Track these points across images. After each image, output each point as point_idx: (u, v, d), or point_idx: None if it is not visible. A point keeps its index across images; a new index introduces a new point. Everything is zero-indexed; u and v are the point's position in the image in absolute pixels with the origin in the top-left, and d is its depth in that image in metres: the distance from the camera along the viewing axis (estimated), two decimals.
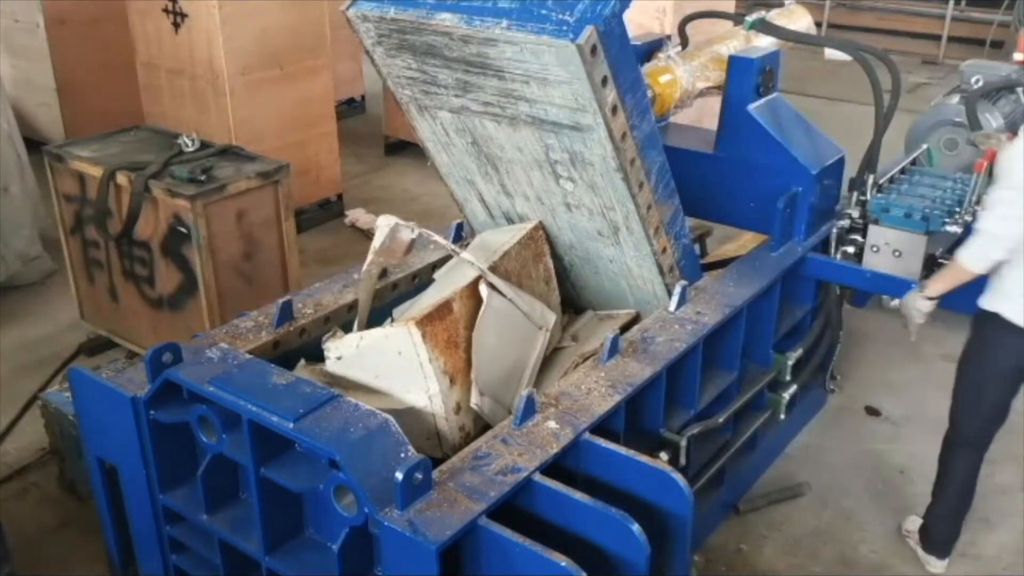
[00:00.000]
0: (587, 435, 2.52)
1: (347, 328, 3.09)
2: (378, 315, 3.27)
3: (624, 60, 2.70)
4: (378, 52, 3.03)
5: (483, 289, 2.90)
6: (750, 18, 3.82)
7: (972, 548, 3.52)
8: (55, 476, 3.73)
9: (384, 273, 3.33)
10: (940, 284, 3.12)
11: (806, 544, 3.52)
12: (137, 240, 4.10)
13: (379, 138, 7.50)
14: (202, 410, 2.47)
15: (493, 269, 2.99)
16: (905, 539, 3.51)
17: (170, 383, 2.54)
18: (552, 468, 2.41)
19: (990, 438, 3.29)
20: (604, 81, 2.64)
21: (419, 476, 2.19)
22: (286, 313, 3.05)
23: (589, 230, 3.19)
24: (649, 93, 3.65)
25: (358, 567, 2.35)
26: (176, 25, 5.46)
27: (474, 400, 2.79)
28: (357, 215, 6.25)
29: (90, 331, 4.65)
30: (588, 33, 2.51)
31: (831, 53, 3.96)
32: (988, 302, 3.03)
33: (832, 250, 3.72)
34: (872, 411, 4.30)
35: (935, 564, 3.39)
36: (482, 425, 2.83)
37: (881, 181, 3.78)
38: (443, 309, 2.77)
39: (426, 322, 2.70)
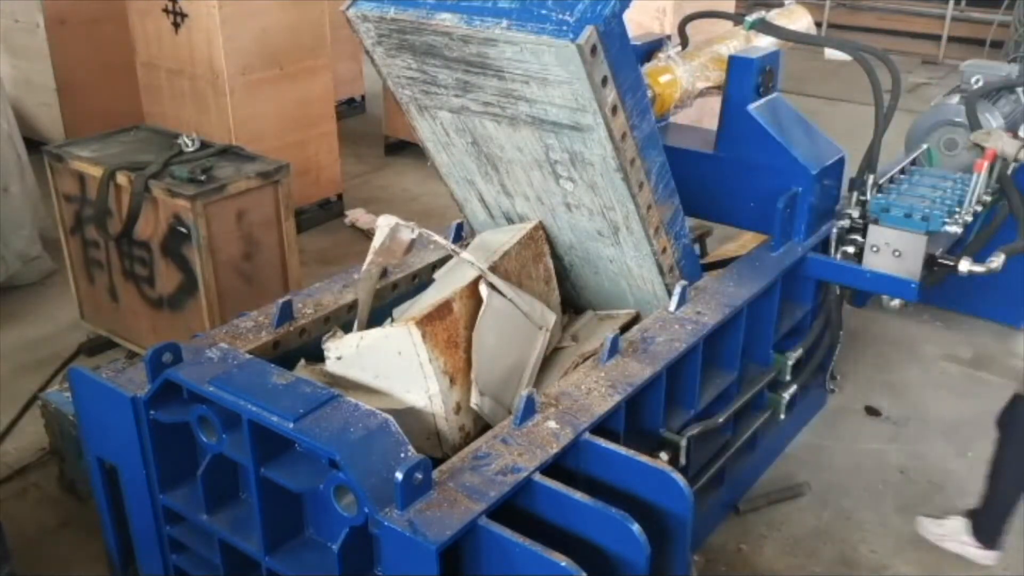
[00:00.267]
0: (587, 435, 2.52)
1: (347, 328, 3.09)
2: (378, 315, 3.27)
3: (624, 60, 2.70)
4: (378, 52, 3.03)
5: (483, 289, 2.90)
6: (750, 18, 3.82)
7: None
8: (55, 476, 3.74)
9: (384, 273, 3.33)
10: None
11: (806, 544, 3.52)
12: (137, 240, 4.10)
13: (379, 138, 7.50)
14: (202, 410, 2.47)
15: (493, 269, 2.99)
16: (939, 544, 3.47)
17: (170, 383, 2.54)
18: (552, 468, 2.41)
19: None
20: (604, 81, 2.64)
21: (419, 476, 2.19)
22: (286, 313, 3.05)
23: (589, 230, 3.19)
24: (649, 93, 3.65)
25: (358, 567, 2.35)
26: (176, 25, 5.46)
27: (474, 400, 2.79)
28: (357, 215, 6.25)
29: (90, 331, 4.65)
30: (588, 33, 2.51)
31: (831, 53, 3.97)
32: None
33: (832, 250, 3.72)
34: (872, 411, 4.30)
35: (988, 556, 3.38)
36: (482, 425, 2.83)
37: (881, 181, 3.78)
38: (443, 309, 2.77)
39: (426, 322, 2.70)
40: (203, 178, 3.93)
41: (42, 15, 6.64)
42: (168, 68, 5.64)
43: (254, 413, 2.34)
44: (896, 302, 3.82)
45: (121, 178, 4.01)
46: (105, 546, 2.98)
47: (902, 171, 4.01)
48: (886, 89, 3.56)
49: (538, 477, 2.35)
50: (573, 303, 3.59)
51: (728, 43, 3.96)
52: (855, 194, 3.68)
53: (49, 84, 6.81)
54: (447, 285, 3.00)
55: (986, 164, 3.71)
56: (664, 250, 3.16)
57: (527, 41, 2.60)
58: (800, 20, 4.21)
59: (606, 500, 2.29)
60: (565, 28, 2.55)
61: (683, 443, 3.00)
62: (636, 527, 2.22)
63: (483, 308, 2.87)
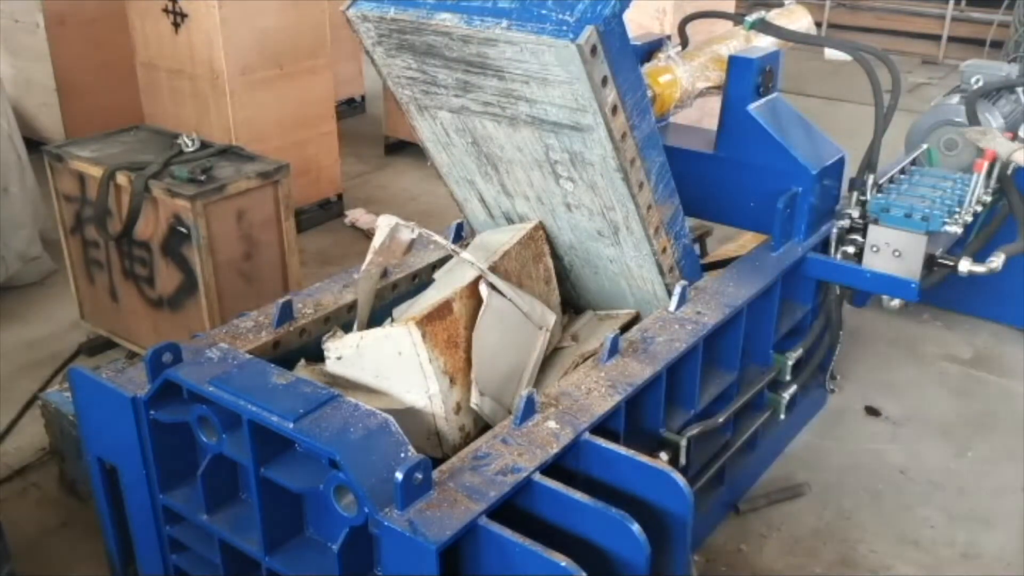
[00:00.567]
0: (587, 435, 2.52)
1: (347, 328, 3.09)
2: (379, 315, 3.27)
3: (624, 60, 2.69)
4: (378, 52, 3.03)
5: (483, 289, 2.90)
6: (750, 18, 3.82)
7: (972, 548, 3.52)
8: (55, 476, 3.74)
9: (385, 273, 3.33)
10: None
11: (806, 544, 3.53)
12: (137, 240, 4.10)
13: (379, 138, 7.50)
14: (202, 410, 2.47)
15: (493, 269, 2.99)
16: None
17: (170, 383, 2.54)
18: (552, 468, 2.41)
19: None
20: (604, 81, 2.64)
21: (419, 476, 2.19)
22: (286, 313, 3.05)
23: (589, 230, 3.19)
24: (649, 93, 3.65)
25: (358, 567, 2.35)
26: (176, 25, 5.46)
27: (474, 400, 2.79)
28: (357, 215, 6.25)
29: (90, 331, 4.65)
30: (588, 33, 2.51)
31: (831, 53, 3.97)
32: None
33: (832, 250, 3.72)
34: (872, 411, 4.30)
35: None
36: (482, 425, 2.83)
37: (881, 181, 3.78)
38: (443, 309, 2.77)
39: (426, 322, 2.70)
40: (203, 178, 3.93)
41: (42, 15, 6.64)
42: (168, 68, 5.64)
43: (254, 413, 2.34)
44: (896, 302, 3.82)
45: (121, 178, 4.01)
46: (105, 546, 2.98)
47: (902, 171, 4.01)
48: (886, 89, 3.56)
49: (538, 477, 2.35)
50: (573, 303, 3.59)
51: (728, 43, 3.96)
52: (855, 194, 3.68)
53: (49, 84, 6.81)
54: (447, 285, 3.00)
55: (986, 164, 3.71)
56: (664, 250, 3.16)
57: (527, 41, 2.60)
58: (800, 20, 4.21)
59: (606, 500, 2.29)
60: (565, 28, 2.55)
61: (683, 443, 2.99)
62: (636, 527, 2.22)
63: (483, 308, 2.87)
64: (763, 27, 3.79)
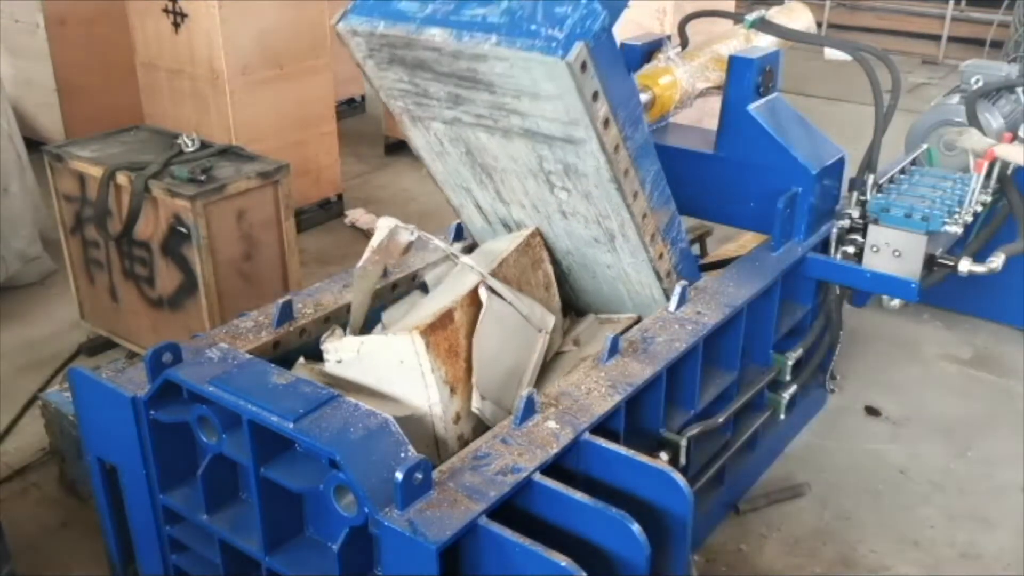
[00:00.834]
0: (587, 435, 2.52)
1: (346, 327, 3.09)
2: (377, 315, 3.28)
3: (615, 73, 2.67)
4: (369, 65, 3.01)
5: (482, 292, 2.89)
6: (750, 17, 3.81)
7: (972, 548, 3.52)
8: (55, 476, 3.74)
9: (384, 273, 3.33)
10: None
11: (806, 544, 3.53)
12: (137, 240, 4.10)
13: (379, 138, 7.50)
14: (202, 410, 2.47)
15: (491, 276, 2.99)
16: None
17: (170, 383, 2.54)
18: (552, 468, 2.41)
19: None
20: (595, 96, 2.62)
21: (419, 476, 2.19)
22: (286, 313, 3.05)
23: (585, 237, 3.19)
24: (649, 95, 3.65)
25: (358, 567, 2.35)
26: (176, 25, 5.46)
27: (475, 404, 2.78)
28: (357, 215, 6.26)
29: (90, 331, 4.65)
30: (578, 50, 2.48)
31: (831, 53, 3.97)
32: None
33: (832, 250, 3.72)
34: (872, 411, 4.30)
35: None
36: (481, 433, 2.82)
37: (881, 181, 3.78)
38: (445, 318, 2.76)
39: (429, 331, 2.68)
40: (203, 178, 3.93)
41: (42, 15, 6.64)
42: (168, 68, 5.64)
43: (254, 413, 2.34)
44: (896, 302, 3.82)
45: (121, 178, 4.01)
46: (105, 546, 2.98)
47: (902, 171, 4.01)
48: (886, 89, 3.56)
49: (538, 477, 2.35)
50: (573, 305, 3.59)
51: (728, 42, 3.95)
52: (855, 194, 3.68)
53: (49, 84, 6.81)
54: (445, 293, 2.99)
55: (986, 164, 3.71)
56: (661, 256, 3.16)
57: (517, 57, 2.58)
58: (800, 18, 4.19)
59: (606, 500, 2.29)
60: (555, 45, 2.52)
61: (683, 443, 2.99)
62: (636, 527, 2.22)
63: (483, 311, 2.86)
64: (763, 26, 3.79)
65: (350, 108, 8.37)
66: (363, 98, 8.57)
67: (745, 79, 3.57)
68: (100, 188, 4.06)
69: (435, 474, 2.28)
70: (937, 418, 4.27)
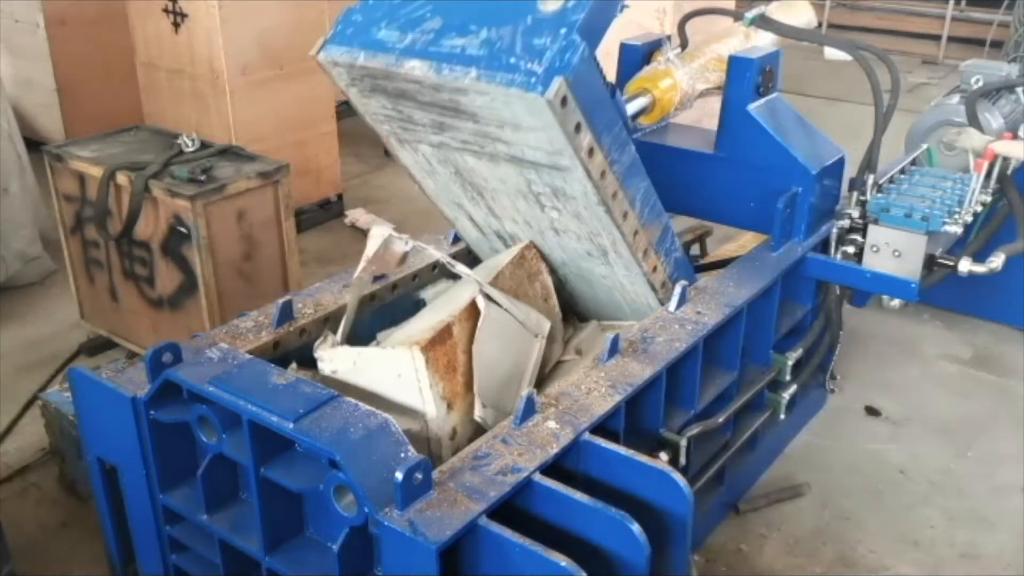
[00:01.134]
0: (587, 435, 2.52)
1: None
2: (377, 315, 3.28)
3: (597, 101, 2.63)
4: (352, 92, 2.99)
5: (480, 301, 2.87)
6: (750, 14, 3.81)
7: (972, 548, 3.52)
8: (55, 476, 3.74)
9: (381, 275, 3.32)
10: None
11: (806, 544, 3.52)
12: (137, 240, 4.10)
13: (379, 138, 7.47)
14: (202, 410, 2.47)
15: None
16: None
17: (170, 383, 2.54)
18: (552, 468, 2.41)
19: None
20: (577, 127, 2.59)
21: (419, 476, 2.19)
22: (286, 313, 3.05)
23: (579, 251, 3.17)
24: (649, 99, 3.64)
25: (358, 567, 2.35)
26: (176, 25, 5.46)
27: (477, 413, 2.77)
28: (357, 215, 6.26)
29: (90, 331, 4.65)
30: (557, 86, 2.44)
31: (831, 53, 3.96)
32: None
33: (832, 250, 3.72)
34: (872, 411, 4.30)
35: None
36: None
37: (881, 181, 3.78)
38: (444, 333, 2.74)
39: (429, 347, 2.67)
40: (203, 178, 3.93)
41: (42, 15, 6.64)
42: (168, 68, 5.64)
43: (254, 413, 2.34)
44: (896, 302, 3.82)
45: (121, 178, 4.01)
46: (105, 546, 2.98)
47: (902, 171, 4.01)
48: (885, 89, 3.56)
49: (538, 477, 2.35)
50: (574, 310, 3.58)
51: (728, 41, 3.94)
52: (855, 194, 3.68)
53: (49, 84, 6.81)
54: (442, 307, 2.97)
55: (986, 164, 3.71)
56: (655, 269, 3.15)
57: (497, 92, 2.54)
58: (801, 14, 4.17)
59: (606, 500, 2.29)
60: (534, 80, 2.47)
61: (683, 443, 2.99)
62: (636, 527, 2.22)
63: (481, 320, 2.85)
64: (763, 23, 3.79)
65: (350, 108, 8.25)
66: None
67: (745, 79, 3.57)
68: (100, 188, 4.06)
69: (435, 474, 2.28)
70: (937, 418, 4.27)
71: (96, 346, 4.60)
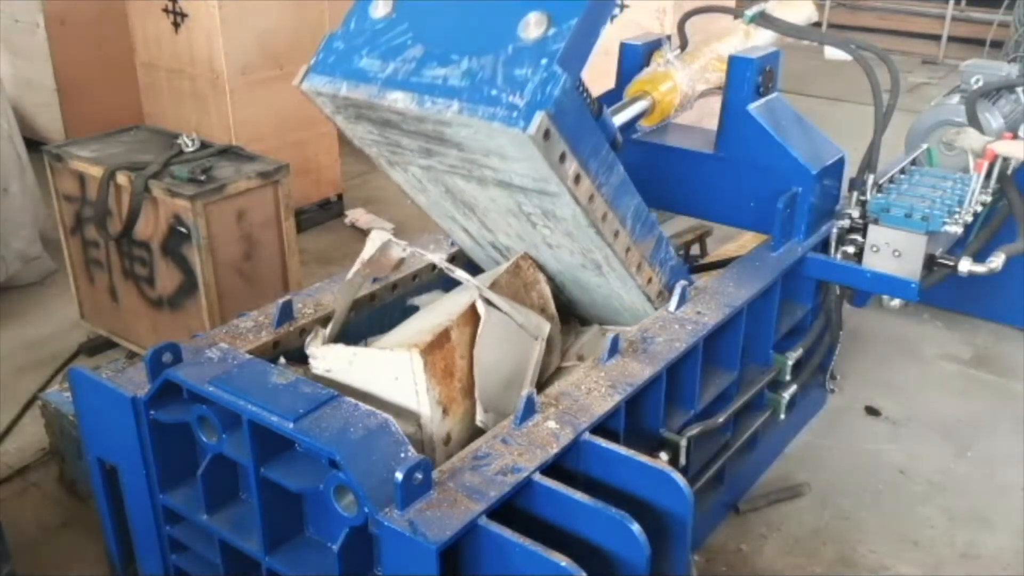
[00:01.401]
0: (587, 435, 2.52)
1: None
2: (377, 315, 3.27)
3: (582, 129, 2.61)
4: (338, 119, 2.94)
5: (480, 306, 2.86)
6: (749, 12, 3.80)
7: (972, 548, 3.52)
8: (55, 476, 3.74)
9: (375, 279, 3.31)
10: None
11: (806, 544, 3.53)
12: (137, 240, 4.10)
13: None
14: (202, 410, 2.47)
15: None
16: None
17: (170, 383, 2.54)
18: (552, 468, 2.41)
19: None
20: (562, 157, 2.56)
21: (419, 476, 2.19)
22: (286, 313, 3.05)
23: (573, 263, 3.16)
24: (649, 101, 3.64)
25: (358, 567, 2.35)
26: (176, 25, 5.46)
27: (479, 418, 2.76)
28: (357, 215, 6.26)
29: (90, 331, 4.65)
30: (538, 121, 2.40)
31: (832, 53, 3.95)
32: None
33: (832, 250, 3.72)
34: (872, 411, 4.30)
35: None
36: None
37: (881, 181, 3.78)
38: (442, 337, 2.73)
39: (428, 350, 2.65)
40: (203, 178, 3.93)
41: (42, 15, 6.64)
42: (168, 68, 5.64)
43: (254, 413, 2.34)
44: (896, 302, 3.82)
45: (121, 178, 4.01)
46: (105, 546, 2.98)
47: (902, 171, 4.01)
48: (885, 89, 3.56)
49: (538, 477, 2.35)
50: (573, 312, 3.57)
51: (728, 41, 3.94)
52: (855, 194, 3.68)
53: (49, 84, 6.82)
54: (439, 311, 2.96)
55: (986, 164, 3.71)
56: (649, 281, 3.14)
57: (480, 125, 2.52)
58: (801, 10, 4.15)
59: (606, 500, 2.29)
60: (516, 114, 2.44)
61: (683, 443, 2.99)
62: (636, 527, 2.22)
63: (482, 325, 2.83)
64: (763, 21, 3.78)
65: None
66: None
67: (745, 79, 3.57)
68: (100, 188, 4.06)
69: (435, 474, 2.28)
70: (937, 418, 4.27)
71: (96, 346, 4.60)
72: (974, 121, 4.18)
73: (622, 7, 5.69)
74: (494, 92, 2.49)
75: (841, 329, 4.09)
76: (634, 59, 3.89)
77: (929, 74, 10.05)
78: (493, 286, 3.02)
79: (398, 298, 3.39)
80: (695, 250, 4.59)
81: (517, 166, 2.66)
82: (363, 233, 5.97)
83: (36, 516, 3.60)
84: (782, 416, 3.81)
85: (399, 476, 2.14)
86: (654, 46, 3.92)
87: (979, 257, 3.68)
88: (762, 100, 3.63)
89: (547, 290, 3.25)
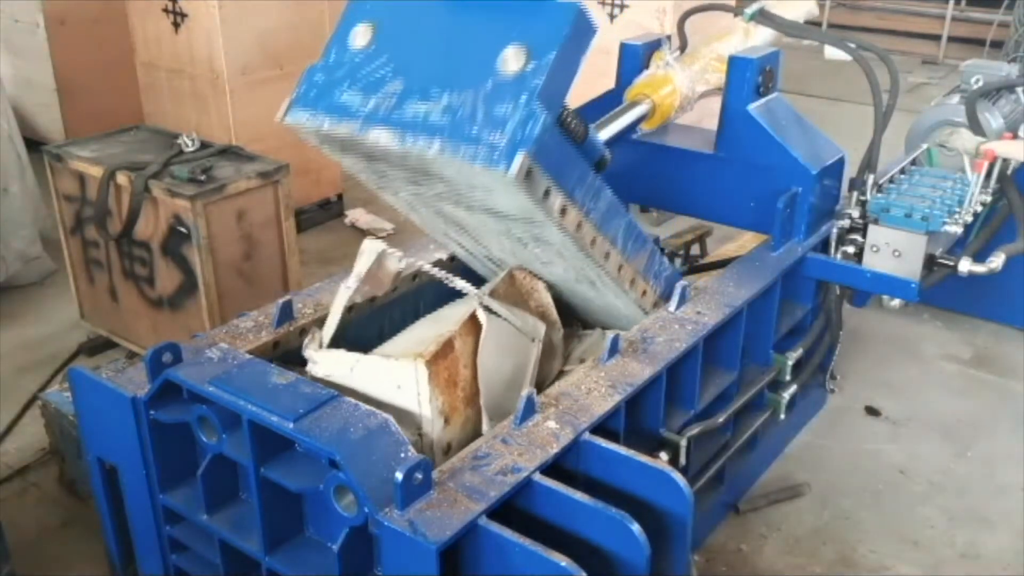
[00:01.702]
0: (587, 435, 2.52)
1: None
2: (377, 315, 3.27)
3: (566, 162, 2.59)
4: (325, 150, 2.94)
5: (480, 314, 2.85)
6: (749, 10, 3.80)
7: (972, 548, 3.52)
8: (55, 476, 3.74)
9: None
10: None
11: (806, 544, 3.53)
12: (137, 240, 4.10)
13: None
14: (202, 410, 2.47)
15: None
16: None
17: (170, 383, 2.54)
18: (552, 468, 2.41)
19: None
20: (546, 193, 2.55)
21: (419, 476, 2.19)
22: (286, 313, 3.05)
23: (568, 278, 3.15)
24: (649, 104, 3.63)
25: (358, 567, 2.35)
26: (176, 25, 5.46)
27: (485, 427, 2.75)
28: (357, 215, 6.25)
29: (90, 331, 4.65)
30: (519, 162, 2.37)
31: (832, 53, 3.96)
32: None
33: (832, 250, 3.72)
34: (872, 411, 4.30)
35: None
36: None
37: (881, 181, 3.78)
38: (447, 347, 2.72)
39: (433, 360, 2.64)
40: (203, 178, 3.93)
41: (42, 15, 6.64)
42: (168, 68, 5.64)
43: (254, 413, 2.34)
44: (896, 302, 3.82)
45: (121, 178, 4.01)
46: (105, 546, 2.98)
47: (902, 171, 4.01)
48: (885, 89, 3.56)
49: (538, 477, 2.35)
50: (574, 315, 3.57)
51: (728, 40, 3.93)
52: (855, 194, 3.68)
53: (49, 84, 6.81)
54: (440, 320, 2.95)
55: (986, 164, 3.71)
56: (644, 293, 3.14)
57: (462, 164, 2.50)
58: (801, 6, 4.14)
59: (606, 500, 2.29)
60: (496, 155, 2.41)
61: (683, 443, 2.99)
62: (636, 527, 2.22)
63: (484, 333, 2.82)
64: (763, 19, 3.78)
65: None
66: None
67: (745, 79, 3.57)
68: (100, 188, 4.06)
69: (435, 474, 2.28)
70: (937, 418, 4.27)
71: (96, 346, 4.60)
72: (974, 121, 4.18)
73: (622, 7, 5.69)
74: (475, 130, 2.45)
75: (841, 329, 4.09)
76: (634, 59, 3.89)
77: (929, 74, 10.05)
78: (492, 294, 3.02)
79: (397, 298, 3.38)
80: (695, 250, 4.59)
81: (502, 200, 2.65)
82: (363, 233, 5.97)
83: (36, 516, 3.59)
84: (782, 416, 3.81)
85: (399, 476, 2.14)
86: (654, 46, 3.91)
87: (979, 257, 3.68)
88: (762, 100, 3.63)
89: (546, 297, 3.24)
